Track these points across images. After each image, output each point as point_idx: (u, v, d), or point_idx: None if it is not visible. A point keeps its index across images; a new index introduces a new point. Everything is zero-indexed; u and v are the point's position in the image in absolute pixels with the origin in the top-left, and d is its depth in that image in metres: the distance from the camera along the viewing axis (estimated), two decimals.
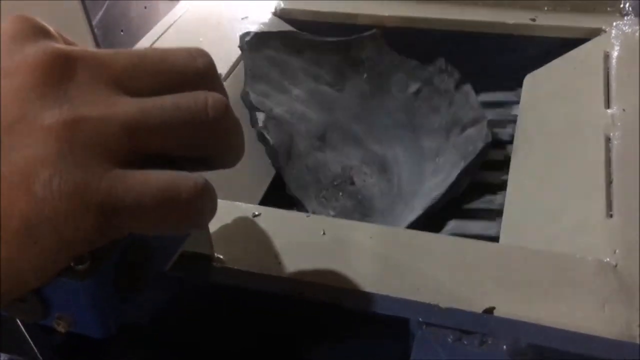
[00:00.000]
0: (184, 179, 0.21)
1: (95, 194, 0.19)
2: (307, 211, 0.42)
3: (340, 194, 0.45)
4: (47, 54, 0.21)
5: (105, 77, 0.21)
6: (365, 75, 0.50)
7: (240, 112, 0.47)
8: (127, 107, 0.21)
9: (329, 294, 0.29)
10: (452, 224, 0.41)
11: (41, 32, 0.22)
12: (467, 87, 0.46)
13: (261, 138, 0.45)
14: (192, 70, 0.23)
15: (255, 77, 0.48)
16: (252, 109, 0.46)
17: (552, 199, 0.36)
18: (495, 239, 0.39)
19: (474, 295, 0.28)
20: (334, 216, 0.43)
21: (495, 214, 0.42)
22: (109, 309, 0.22)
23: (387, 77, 0.50)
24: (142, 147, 0.21)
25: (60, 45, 0.21)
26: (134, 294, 0.23)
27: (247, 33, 0.49)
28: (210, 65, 0.24)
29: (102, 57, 0.22)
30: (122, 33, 0.69)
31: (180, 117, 0.21)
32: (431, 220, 0.42)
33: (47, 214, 0.19)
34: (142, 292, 0.23)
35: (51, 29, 0.23)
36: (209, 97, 0.22)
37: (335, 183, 0.46)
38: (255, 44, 0.49)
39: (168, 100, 0.22)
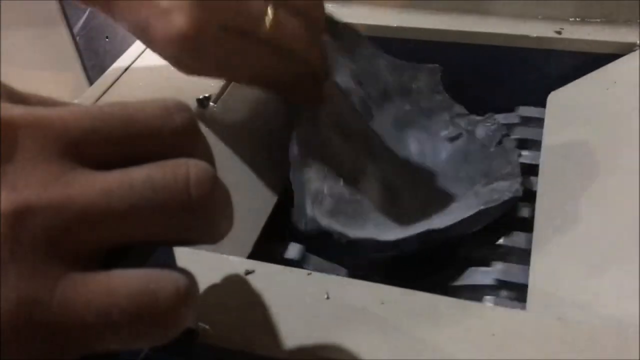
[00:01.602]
0: (163, 282, 0.17)
1: (45, 311, 0.15)
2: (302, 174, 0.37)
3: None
4: None
5: (57, 148, 0.17)
6: (407, 107, 0.46)
7: None
8: (86, 187, 0.16)
9: None
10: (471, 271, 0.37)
11: None
12: (510, 143, 0.42)
13: None
14: (168, 131, 0.18)
15: None
16: None
17: (590, 255, 0.31)
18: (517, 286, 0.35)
19: None
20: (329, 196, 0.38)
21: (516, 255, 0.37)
22: None
23: (429, 115, 0.46)
24: (105, 239, 0.17)
25: None
26: None
27: None
28: (190, 123, 0.19)
29: (53, 120, 0.17)
30: (107, 40, 0.64)
31: (155, 199, 0.17)
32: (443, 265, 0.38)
33: None
34: None
35: None
36: (190, 170, 0.17)
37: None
38: None
39: (139, 177, 0.17)
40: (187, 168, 0.17)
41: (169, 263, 0.22)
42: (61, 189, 0.16)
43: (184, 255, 0.22)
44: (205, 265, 0.29)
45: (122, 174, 0.17)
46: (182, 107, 0.19)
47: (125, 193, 0.17)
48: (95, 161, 0.17)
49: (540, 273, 0.32)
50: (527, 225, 0.37)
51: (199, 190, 0.17)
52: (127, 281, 0.16)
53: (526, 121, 0.45)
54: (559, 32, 0.44)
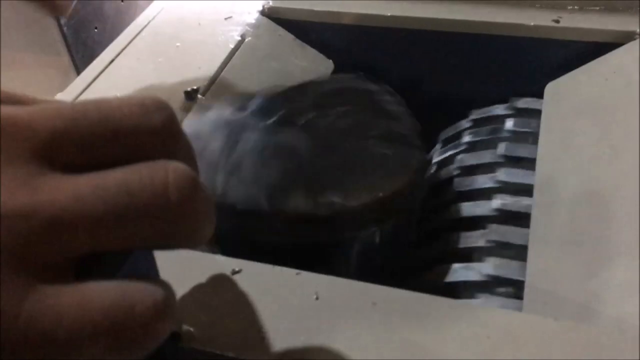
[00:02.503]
0: (139, 295, 0.16)
1: (12, 327, 0.14)
2: None
3: None
4: None
5: (25, 150, 0.16)
6: None
7: None
8: (56, 193, 0.15)
9: None
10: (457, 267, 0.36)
11: None
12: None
13: None
14: (146, 131, 0.17)
15: None
16: None
17: (589, 253, 0.30)
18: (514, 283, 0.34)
19: None
20: None
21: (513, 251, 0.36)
22: None
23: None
24: (78, 248, 0.16)
25: None
26: None
27: None
28: (170, 122, 0.18)
29: (21, 120, 0.16)
30: (95, 30, 0.63)
31: (130, 205, 0.16)
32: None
33: None
34: None
35: None
36: (169, 172, 0.16)
37: None
38: None
39: (113, 180, 0.16)
40: (165, 171, 0.16)
41: (148, 268, 0.21)
42: (29, 195, 0.15)
43: (166, 254, 0.21)
44: (190, 264, 0.29)
45: (95, 178, 0.16)
46: (161, 105, 0.18)
47: (98, 198, 0.15)
48: (67, 164, 0.16)
49: (538, 271, 0.32)
50: (523, 221, 0.36)
51: (179, 194, 0.16)
52: (101, 294, 0.15)
53: (522, 113, 0.43)
54: (557, 21, 0.43)
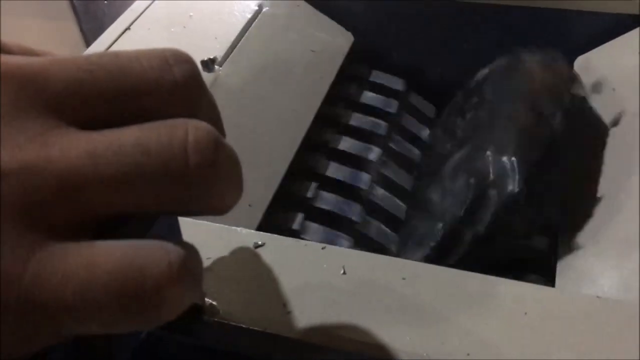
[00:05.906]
0: (152, 255, 0.14)
1: (17, 286, 0.13)
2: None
3: None
4: None
5: (37, 102, 0.14)
6: None
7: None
8: (68, 148, 0.14)
9: None
10: None
11: None
12: None
13: None
14: (166, 86, 0.16)
15: None
16: None
17: (623, 231, 0.29)
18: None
19: None
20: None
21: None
22: None
23: None
24: (89, 208, 0.14)
25: None
26: None
27: None
28: (191, 76, 0.16)
29: (34, 71, 0.15)
30: (105, 2, 0.61)
31: (147, 165, 0.14)
32: None
33: None
34: None
35: None
36: (190, 133, 0.15)
37: None
38: None
39: (129, 138, 0.15)
40: (185, 130, 0.15)
41: (173, 235, 0.20)
42: (39, 150, 0.14)
43: (188, 226, 0.20)
44: (211, 237, 0.27)
45: (111, 135, 0.15)
46: (182, 58, 0.16)
47: (112, 157, 0.14)
48: (82, 119, 0.15)
49: (570, 251, 0.30)
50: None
51: (199, 156, 0.15)
52: (111, 254, 0.14)
53: None
54: None
